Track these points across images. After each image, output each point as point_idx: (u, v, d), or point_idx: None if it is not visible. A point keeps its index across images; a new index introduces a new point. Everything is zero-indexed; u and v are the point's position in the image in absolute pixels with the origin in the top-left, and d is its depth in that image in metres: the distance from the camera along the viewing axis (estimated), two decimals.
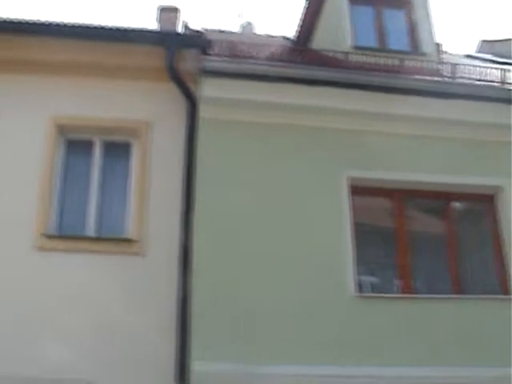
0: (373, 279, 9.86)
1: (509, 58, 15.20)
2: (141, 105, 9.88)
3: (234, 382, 8.25)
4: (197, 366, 8.26)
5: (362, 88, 9.90)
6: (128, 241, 9.23)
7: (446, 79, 10.84)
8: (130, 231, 9.32)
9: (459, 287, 9.77)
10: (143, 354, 8.59)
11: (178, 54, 9.80)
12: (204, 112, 9.61)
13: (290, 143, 9.77)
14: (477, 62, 13.37)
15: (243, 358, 8.39)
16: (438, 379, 8.66)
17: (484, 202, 10.34)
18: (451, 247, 10.02)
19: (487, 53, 16.72)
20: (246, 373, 8.29)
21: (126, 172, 9.80)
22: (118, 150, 9.93)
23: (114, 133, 9.84)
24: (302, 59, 11.00)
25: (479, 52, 17.29)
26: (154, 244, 9.18)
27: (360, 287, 9.28)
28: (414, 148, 10.07)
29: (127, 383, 8.45)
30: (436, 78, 10.63)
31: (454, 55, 14.44)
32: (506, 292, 9.71)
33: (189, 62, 9.83)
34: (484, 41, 18.44)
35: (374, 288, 9.71)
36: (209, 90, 9.62)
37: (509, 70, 12.34)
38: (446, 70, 11.38)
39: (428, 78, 10.49)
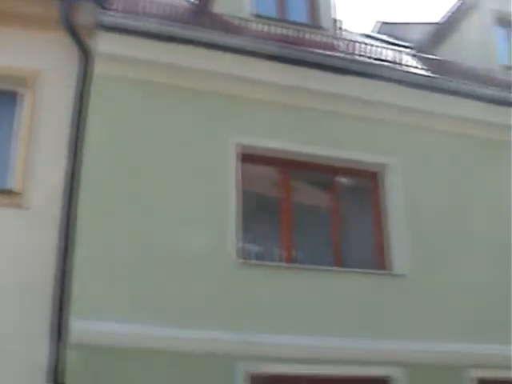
0: (258, 248, 9.94)
1: (405, 40, 15.58)
2: (32, 54, 9.52)
3: (115, 342, 8.14)
4: (75, 325, 8.08)
5: (257, 56, 9.88)
6: (11, 192, 8.96)
7: (343, 55, 10.93)
8: (14, 183, 9.05)
9: (340, 260, 10.01)
10: (19, 311, 8.35)
11: (73, 5, 9.49)
12: (98, 67, 9.37)
13: (183, 105, 9.67)
14: (374, 42, 13.60)
15: (126, 318, 8.27)
16: (315, 348, 8.89)
17: (369, 178, 10.59)
18: (335, 221, 10.25)
19: (384, 34, 17.07)
20: (129, 333, 8.22)
21: (14, 121, 9.46)
22: (5, 99, 9.56)
23: (1, 80, 9.46)
24: (201, 22, 10.87)
25: (377, 33, 17.63)
26: (38, 197, 8.92)
27: (245, 255, 9.34)
28: (304, 120, 10.15)
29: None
30: (332, 53, 10.71)
31: (352, 33, 14.65)
32: (383, 267, 10.03)
33: (85, 14, 9.52)
34: (381, 22, 18.83)
35: (259, 256, 9.79)
36: (104, 45, 9.39)
37: (404, 52, 12.68)
38: (343, 47, 11.53)
39: (324, 52, 10.56)
